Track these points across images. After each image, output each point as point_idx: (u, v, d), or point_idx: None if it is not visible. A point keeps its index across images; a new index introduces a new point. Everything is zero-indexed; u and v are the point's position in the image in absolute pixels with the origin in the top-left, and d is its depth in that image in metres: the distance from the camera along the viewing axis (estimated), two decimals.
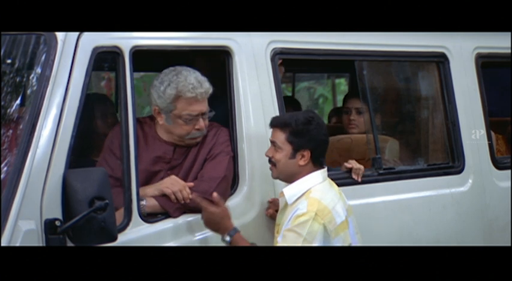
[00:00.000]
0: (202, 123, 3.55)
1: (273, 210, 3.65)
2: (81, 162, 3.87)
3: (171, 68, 3.56)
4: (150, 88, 3.58)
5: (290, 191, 3.43)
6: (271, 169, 3.50)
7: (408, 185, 4.19)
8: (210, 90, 3.55)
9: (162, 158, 3.60)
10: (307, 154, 3.39)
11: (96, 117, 4.38)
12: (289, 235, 3.29)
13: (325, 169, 3.48)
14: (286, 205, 3.45)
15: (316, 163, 3.44)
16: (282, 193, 3.46)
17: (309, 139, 3.39)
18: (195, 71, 3.56)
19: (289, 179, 3.46)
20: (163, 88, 3.50)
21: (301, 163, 3.40)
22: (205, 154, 3.61)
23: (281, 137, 3.41)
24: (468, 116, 4.44)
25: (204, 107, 3.54)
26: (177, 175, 3.57)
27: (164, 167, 3.60)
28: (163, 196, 3.45)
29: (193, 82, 3.50)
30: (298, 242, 3.24)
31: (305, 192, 3.39)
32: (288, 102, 4.10)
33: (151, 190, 3.46)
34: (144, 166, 3.51)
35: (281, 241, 3.32)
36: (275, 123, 3.47)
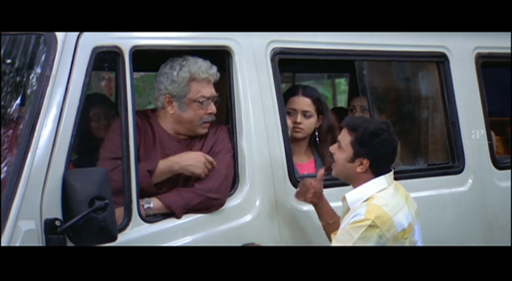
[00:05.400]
0: (214, 107, 3.60)
1: (302, 196, 3.62)
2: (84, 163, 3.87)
3: (177, 57, 3.60)
4: (159, 76, 3.60)
5: (353, 196, 3.39)
6: (332, 165, 3.48)
7: (408, 185, 4.17)
8: (218, 75, 3.62)
9: (167, 154, 3.59)
10: (366, 162, 3.35)
11: (92, 119, 4.37)
12: (341, 235, 3.28)
13: (391, 173, 3.43)
14: (348, 210, 3.41)
15: (377, 173, 3.39)
16: (344, 197, 3.42)
17: (370, 151, 3.34)
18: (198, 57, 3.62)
19: (347, 180, 3.44)
20: (176, 72, 3.55)
21: (359, 170, 3.36)
22: (207, 152, 3.61)
23: (347, 138, 3.38)
24: (468, 116, 4.44)
25: (214, 91, 3.61)
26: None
27: None
28: (169, 196, 3.46)
29: (204, 64, 3.57)
30: (349, 244, 3.22)
31: (368, 198, 3.34)
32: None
33: (171, 163, 3.49)
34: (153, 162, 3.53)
35: (333, 240, 3.33)
36: (346, 124, 3.44)
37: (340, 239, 3.27)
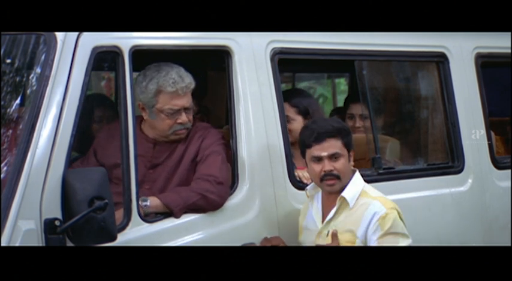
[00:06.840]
0: (184, 117, 3.57)
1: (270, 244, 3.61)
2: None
3: (154, 64, 3.60)
4: (134, 85, 3.61)
5: (350, 193, 3.43)
6: (332, 184, 3.43)
7: (408, 185, 4.19)
8: (192, 85, 3.59)
9: (141, 156, 3.57)
10: (353, 152, 3.47)
11: (94, 120, 4.37)
12: (394, 241, 3.30)
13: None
14: (341, 208, 3.43)
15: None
16: (343, 197, 3.42)
17: (351, 138, 3.48)
18: (178, 66, 3.59)
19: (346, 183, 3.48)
20: (146, 83, 3.55)
21: (352, 163, 3.48)
22: (192, 155, 3.60)
23: (338, 144, 3.42)
24: (468, 116, 4.44)
25: (186, 102, 3.58)
26: (160, 174, 3.59)
27: (146, 165, 3.61)
28: (168, 195, 3.46)
29: (174, 77, 3.54)
30: (408, 243, 3.33)
31: (360, 192, 3.43)
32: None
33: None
34: None
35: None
36: (328, 134, 3.42)
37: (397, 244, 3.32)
